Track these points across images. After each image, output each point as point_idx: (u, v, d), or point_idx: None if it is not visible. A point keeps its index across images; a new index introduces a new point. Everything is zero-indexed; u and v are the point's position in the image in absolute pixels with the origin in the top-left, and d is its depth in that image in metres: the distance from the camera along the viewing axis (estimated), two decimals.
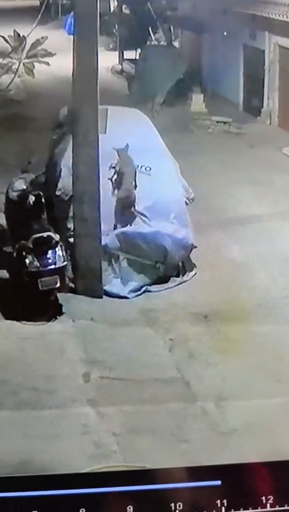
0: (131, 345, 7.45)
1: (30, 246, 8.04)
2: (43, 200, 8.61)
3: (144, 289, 8.60)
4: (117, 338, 7.60)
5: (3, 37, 15.11)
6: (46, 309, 7.90)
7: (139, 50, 20.71)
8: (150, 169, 9.05)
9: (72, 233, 8.55)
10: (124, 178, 8.75)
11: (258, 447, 5.71)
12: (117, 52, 22.91)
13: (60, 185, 8.91)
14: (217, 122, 16.67)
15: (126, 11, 22.81)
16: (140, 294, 8.55)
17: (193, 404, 6.51)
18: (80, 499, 1.92)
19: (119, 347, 7.41)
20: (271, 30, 16.37)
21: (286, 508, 1.97)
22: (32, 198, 8.59)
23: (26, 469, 5.42)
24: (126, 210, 8.69)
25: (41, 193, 8.70)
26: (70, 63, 8.38)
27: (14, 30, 15.59)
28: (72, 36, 8.47)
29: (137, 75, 19.13)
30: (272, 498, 1.97)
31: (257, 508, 1.96)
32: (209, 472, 2.01)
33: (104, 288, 8.42)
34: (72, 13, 12.33)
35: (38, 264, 7.94)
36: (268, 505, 1.96)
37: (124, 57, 22.38)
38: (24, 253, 8.03)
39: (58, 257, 8.03)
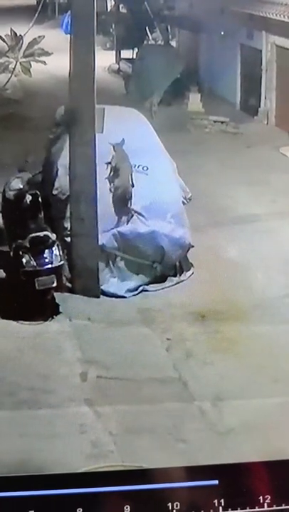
0: (128, 345, 7.44)
1: (27, 245, 8.03)
2: (39, 199, 8.60)
3: (141, 288, 8.59)
4: (114, 337, 7.59)
5: None
6: (43, 309, 7.88)
7: (136, 50, 20.70)
8: (147, 169, 9.04)
9: (69, 232, 8.54)
10: (120, 173, 8.73)
11: (255, 447, 5.71)
12: (114, 52, 22.89)
13: (56, 184, 8.90)
14: (214, 122, 16.67)
15: (123, 10, 22.78)
16: (137, 294, 8.54)
17: (190, 403, 6.51)
18: (77, 499, 1.91)
19: (116, 346, 7.41)
20: (268, 29, 16.37)
21: (283, 507, 1.97)
22: (29, 198, 8.58)
23: (23, 469, 5.41)
24: (123, 206, 8.66)
25: (38, 193, 8.69)
26: (67, 62, 8.38)
27: (11, 29, 15.56)
28: (69, 35, 8.47)
29: (134, 75, 19.12)
30: (269, 497, 1.97)
31: (254, 508, 1.96)
32: (206, 472, 2.01)
33: (102, 287, 8.41)
34: (69, 12, 12.31)
35: (35, 264, 7.93)
36: (266, 504, 1.96)
37: (121, 56, 22.36)
38: (21, 252, 8.01)
39: (54, 256, 8.02)
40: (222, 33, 18.65)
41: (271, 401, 6.52)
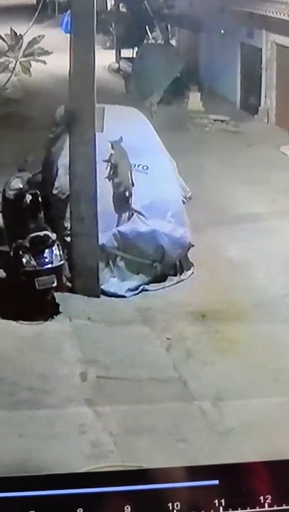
0: (128, 345, 7.43)
1: (27, 245, 8.02)
2: (39, 199, 8.59)
3: (141, 288, 8.58)
4: (114, 337, 7.58)
5: None
6: (43, 309, 7.88)
7: (136, 49, 20.68)
8: (147, 168, 9.03)
9: (69, 232, 8.52)
10: (119, 170, 8.71)
11: (255, 447, 5.70)
12: (114, 51, 22.88)
13: (56, 184, 8.89)
14: (214, 121, 16.65)
15: (123, 9, 22.76)
16: (137, 293, 8.53)
17: (190, 403, 6.50)
18: (77, 499, 1.90)
19: (116, 346, 7.40)
20: (268, 28, 16.35)
21: (284, 507, 1.96)
22: (29, 197, 8.57)
23: (23, 469, 5.40)
24: (123, 204, 8.65)
25: (38, 192, 8.68)
26: (66, 62, 8.36)
27: (11, 29, 15.57)
28: (69, 35, 8.46)
29: (134, 74, 19.10)
30: (270, 497, 1.96)
31: (255, 508, 1.95)
32: (207, 472, 2.00)
33: (102, 287, 8.40)
34: (69, 11, 12.29)
35: (35, 264, 7.92)
36: (266, 504, 1.95)
37: (121, 55, 22.34)
38: (21, 252, 8.00)
39: (54, 256, 8.01)
40: (222, 31, 18.63)
41: (271, 401, 6.51)
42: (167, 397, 6.58)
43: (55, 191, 8.87)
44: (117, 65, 22.11)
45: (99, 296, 8.34)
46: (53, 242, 8.08)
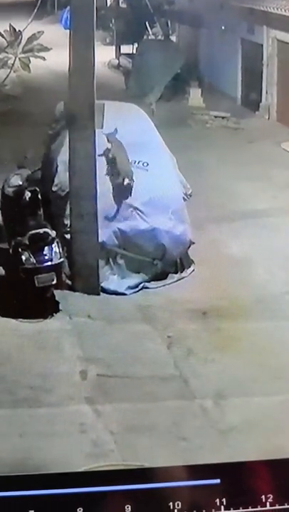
0: (128, 343, 7.40)
1: (27, 242, 7.98)
2: (39, 196, 8.55)
3: (141, 285, 8.55)
4: (115, 335, 7.55)
5: None
6: (43, 306, 7.84)
7: (136, 45, 20.62)
8: (147, 164, 8.98)
9: (68, 229, 8.48)
10: (118, 162, 8.65)
11: (257, 445, 5.67)
12: (114, 47, 22.83)
13: (56, 180, 8.85)
14: (215, 117, 16.61)
15: (122, 5, 22.71)
16: (138, 291, 8.50)
17: (191, 401, 6.47)
18: (77, 498, 1.89)
19: (116, 344, 7.37)
20: (269, 24, 16.29)
21: (286, 506, 1.96)
22: (28, 194, 8.53)
23: (23, 468, 5.38)
24: (124, 196, 8.58)
25: (37, 189, 8.64)
26: (66, 58, 8.32)
27: (10, 25, 15.53)
28: (68, 31, 8.41)
29: (134, 70, 19.04)
30: (271, 496, 1.95)
31: (256, 507, 1.94)
32: (208, 470, 1.99)
33: (102, 285, 8.37)
34: (68, 7, 12.25)
35: (35, 261, 7.88)
36: (268, 503, 1.94)
37: (121, 51, 22.29)
38: (20, 250, 7.97)
39: (54, 253, 7.97)
40: (222, 27, 18.57)
41: (273, 399, 6.48)
42: (168, 395, 6.55)
43: (54, 188, 8.83)
44: (117, 61, 22.06)
45: (99, 294, 8.31)
46: (53, 239, 8.04)
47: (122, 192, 8.62)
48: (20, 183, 8.83)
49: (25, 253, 7.92)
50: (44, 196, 8.69)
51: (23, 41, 15.46)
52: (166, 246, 8.61)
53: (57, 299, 8.02)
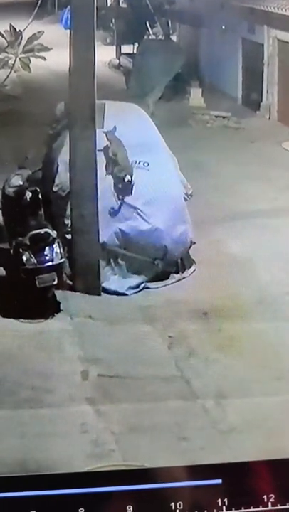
0: (130, 343, 7.39)
1: (27, 243, 7.97)
2: (39, 196, 8.54)
3: (142, 285, 8.54)
4: (116, 335, 7.55)
5: None
6: (44, 307, 7.84)
7: (136, 45, 20.61)
8: (148, 164, 8.97)
9: (69, 230, 8.48)
10: (118, 159, 8.63)
11: (258, 445, 5.67)
12: (115, 47, 22.82)
13: (57, 181, 8.84)
14: (216, 117, 16.60)
15: (123, 4, 22.70)
16: (139, 291, 8.49)
17: (193, 402, 6.46)
18: (78, 499, 1.89)
19: (117, 344, 7.36)
20: (270, 23, 16.28)
21: (288, 506, 1.95)
22: (29, 194, 8.52)
23: (24, 469, 5.38)
24: (125, 193, 8.56)
25: (38, 189, 8.63)
26: (66, 58, 8.32)
27: (10, 25, 15.54)
28: (68, 31, 8.40)
29: (135, 70, 19.03)
30: (273, 496, 1.94)
31: (258, 507, 1.94)
32: (210, 471, 1.98)
33: (103, 285, 8.36)
34: (68, 7, 12.25)
35: (35, 261, 7.87)
36: (269, 503, 1.94)
37: (122, 51, 22.28)
38: (21, 250, 7.96)
39: (55, 253, 7.96)
40: (223, 27, 18.57)
41: (274, 399, 6.47)
42: (169, 396, 6.54)
43: (55, 188, 8.82)
44: (118, 61, 22.05)
45: (100, 294, 8.30)
46: (54, 239, 8.04)
47: (122, 189, 8.60)
48: (21, 183, 8.82)
49: (26, 253, 7.91)
50: (45, 196, 8.68)
51: (24, 41, 15.47)
52: (167, 246, 8.60)
53: (58, 299, 8.02)
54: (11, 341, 7.39)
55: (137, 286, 8.50)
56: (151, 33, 20.84)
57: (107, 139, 8.77)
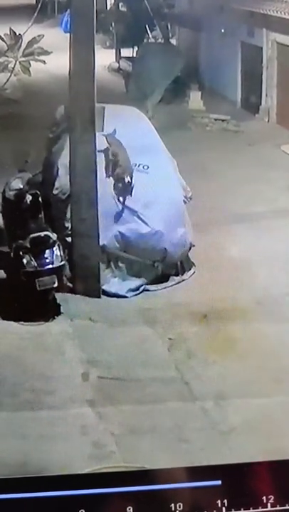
0: (130, 345, 7.41)
1: (28, 246, 8.00)
2: (40, 199, 8.56)
3: (142, 288, 8.56)
4: (116, 337, 7.57)
5: None
6: (44, 309, 7.86)
7: (136, 48, 20.65)
8: (148, 167, 9.00)
9: (69, 232, 8.50)
10: (119, 159, 8.64)
11: (258, 446, 5.69)
12: (114, 50, 22.86)
13: (57, 184, 8.86)
14: (215, 120, 16.63)
15: (122, 8, 22.73)
16: (139, 293, 8.51)
17: (192, 403, 6.48)
18: (79, 500, 1.90)
19: (117, 347, 7.38)
20: (269, 27, 16.32)
21: (287, 507, 1.97)
22: (29, 198, 8.55)
23: (25, 470, 5.39)
24: (124, 195, 8.58)
25: (38, 192, 8.65)
26: (66, 61, 8.34)
27: (10, 29, 15.57)
28: (68, 34, 8.43)
29: (134, 73, 19.07)
30: (273, 497, 1.96)
31: (258, 508, 1.95)
32: (209, 472, 2.00)
33: (103, 287, 8.38)
34: (68, 11, 12.28)
35: (36, 264, 7.89)
36: (269, 504, 1.95)
37: (121, 55, 22.32)
38: (21, 253, 7.98)
39: (55, 256, 7.99)
40: (222, 30, 18.61)
41: (274, 400, 6.49)
42: (169, 397, 6.56)
43: (55, 191, 8.85)
44: (117, 65, 22.09)
45: (100, 297, 8.32)
46: (54, 242, 8.06)
47: (122, 190, 8.62)
48: (21, 186, 8.85)
49: (27, 256, 7.93)
50: (45, 199, 8.70)
51: (24, 45, 15.50)
52: (167, 249, 8.62)
53: (58, 301, 8.04)
54: (12, 344, 7.40)
55: (137, 289, 8.52)
56: (150, 36, 20.88)
57: (107, 141, 8.80)
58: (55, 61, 15.12)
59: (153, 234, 8.60)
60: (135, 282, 8.55)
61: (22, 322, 7.68)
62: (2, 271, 8.43)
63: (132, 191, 8.61)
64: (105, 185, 8.61)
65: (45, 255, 7.96)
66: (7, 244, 8.56)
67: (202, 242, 9.35)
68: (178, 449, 5.84)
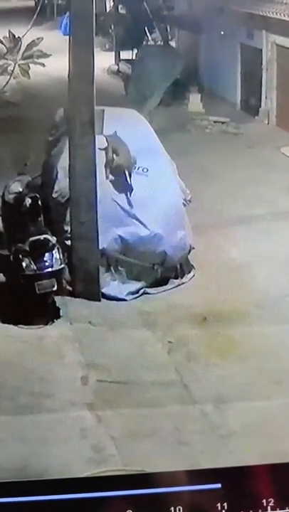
0: (129, 348, 7.40)
1: (27, 249, 7.99)
2: (39, 202, 8.55)
3: (142, 291, 8.56)
4: (115, 340, 7.56)
5: None
6: (43, 313, 7.85)
7: (135, 51, 20.67)
8: (147, 170, 8.99)
9: (69, 236, 8.50)
10: (119, 153, 8.61)
11: (258, 450, 5.67)
12: (114, 53, 22.87)
13: (56, 187, 8.86)
14: (215, 122, 16.63)
15: (122, 10, 22.75)
16: (138, 297, 8.50)
17: (192, 406, 6.47)
18: (79, 504, 1.91)
19: (117, 350, 7.37)
20: (268, 29, 16.33)
21: (287, 510, 1.98)
22: (28, 201, 8.54)
23: (24, 474, 5.38)
24: (124, 192, 8.57)
25: (38, 196, 8.64)
26: (65, 64, 8.34)
27: (9, 31, 15.58)
28: (67, 37, 8.43)
29: (134, 76, 19.08)
30: (272, 500, 1.96)
31: (257, 511, 1.95)
32: (209, 475, 2.01)
33: (102, 290, 8.38)
34: (67, 13, 12.29)
35: (35, 267, 7.89)
36: (269, 507, 1.97)
37: (121, 57, 22.34)
38: (21, 256, 7.97)
39: (55, 259, 7.98)
40: (222, 32, 18.62)
41: (274, 403, 6.48)
42: (169, 401, 6.55)
43: (54, 194, 8.84)
44: (117, 67, 22.10)
45: (99, 300, 8.32)
46: (53, 245, 8.05)
47: (122, 187, 8.60)
48: (21, 189, 8.84)
49: (26, 259, 7.92)
50: (44, 203, 8.69)
51: (23, 47, 15.51)
52: (167, 252, 8.62)
53: (57, 305, 8.03)
54: (11, 347, 7.40)
55: (137, 292, 8.52)
56: (150, 38, 20.91)
57: (107, 142, 8.79)
58: (55, 64, 15.14)
59: (152, 237, 8.59)
60: (135, 285, 8.54)
61: (21, 325, 7.67)
62: (1, 274, 8.42)
63: (131, 188, 8.60)
64: (105, 189, 8.60)
65: (45, 258, 7.95)
66: (6, 247, 8.54)
67: (202, 244, 9.34)
68: (178, 453, 5.83)
